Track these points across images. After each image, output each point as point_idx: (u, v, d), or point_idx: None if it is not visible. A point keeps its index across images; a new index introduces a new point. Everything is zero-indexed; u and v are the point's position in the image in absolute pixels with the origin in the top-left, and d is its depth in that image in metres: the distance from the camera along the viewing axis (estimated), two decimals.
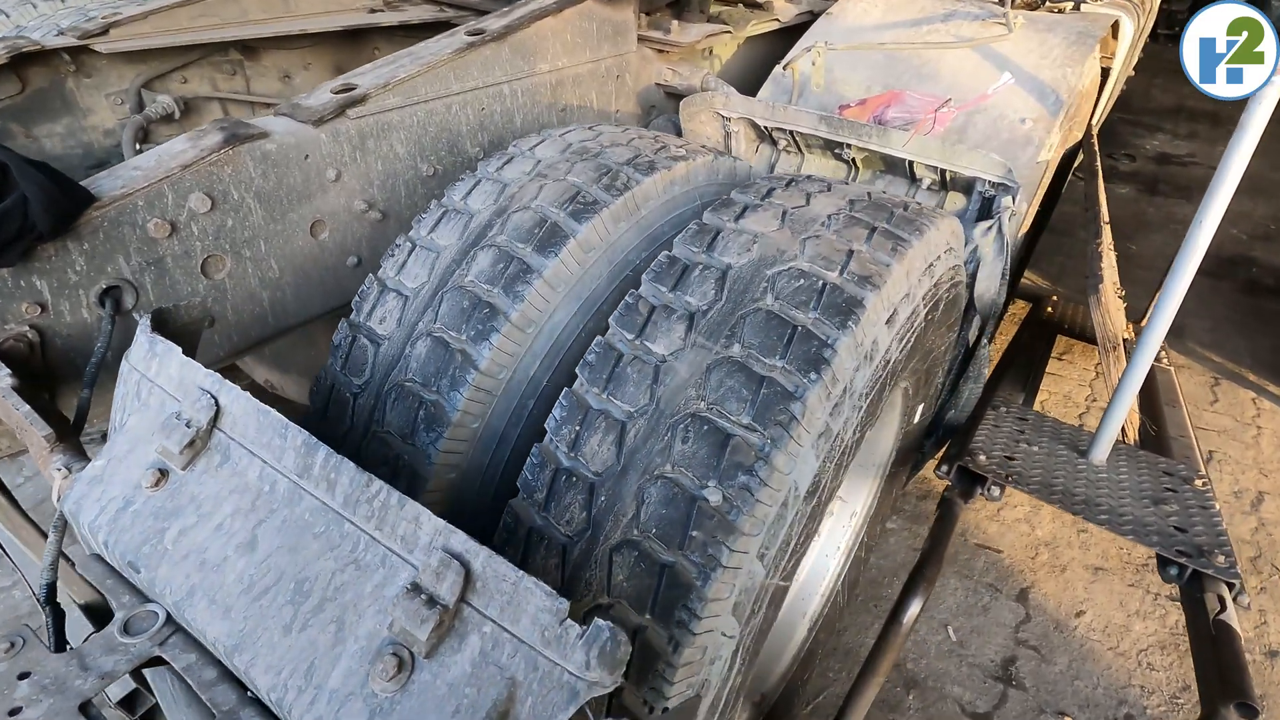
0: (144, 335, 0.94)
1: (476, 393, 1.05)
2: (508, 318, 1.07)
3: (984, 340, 1.77)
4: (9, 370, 0.99)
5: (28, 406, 0.94)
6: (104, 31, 1.90)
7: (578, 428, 0.95)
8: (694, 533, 0.85)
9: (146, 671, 0.83)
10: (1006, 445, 1.80)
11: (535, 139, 1.37)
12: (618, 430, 0.92)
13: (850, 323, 0.93)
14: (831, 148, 1.91)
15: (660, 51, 2.14)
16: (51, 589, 0.86)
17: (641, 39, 2.08)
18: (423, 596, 0.69)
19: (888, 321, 1.00)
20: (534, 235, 1.13)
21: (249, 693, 0.74)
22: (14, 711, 0.68)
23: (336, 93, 1.41)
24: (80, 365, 1.14)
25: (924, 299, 1.10)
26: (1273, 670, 2.11)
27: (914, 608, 1.32)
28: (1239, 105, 1.40)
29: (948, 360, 1.64)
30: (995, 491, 1.65)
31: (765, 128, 1.97)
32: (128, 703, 1.21)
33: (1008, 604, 2.29)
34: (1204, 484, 1.76)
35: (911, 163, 1.76)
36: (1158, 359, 2.81)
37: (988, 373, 1.85)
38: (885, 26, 2.25)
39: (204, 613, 0.76)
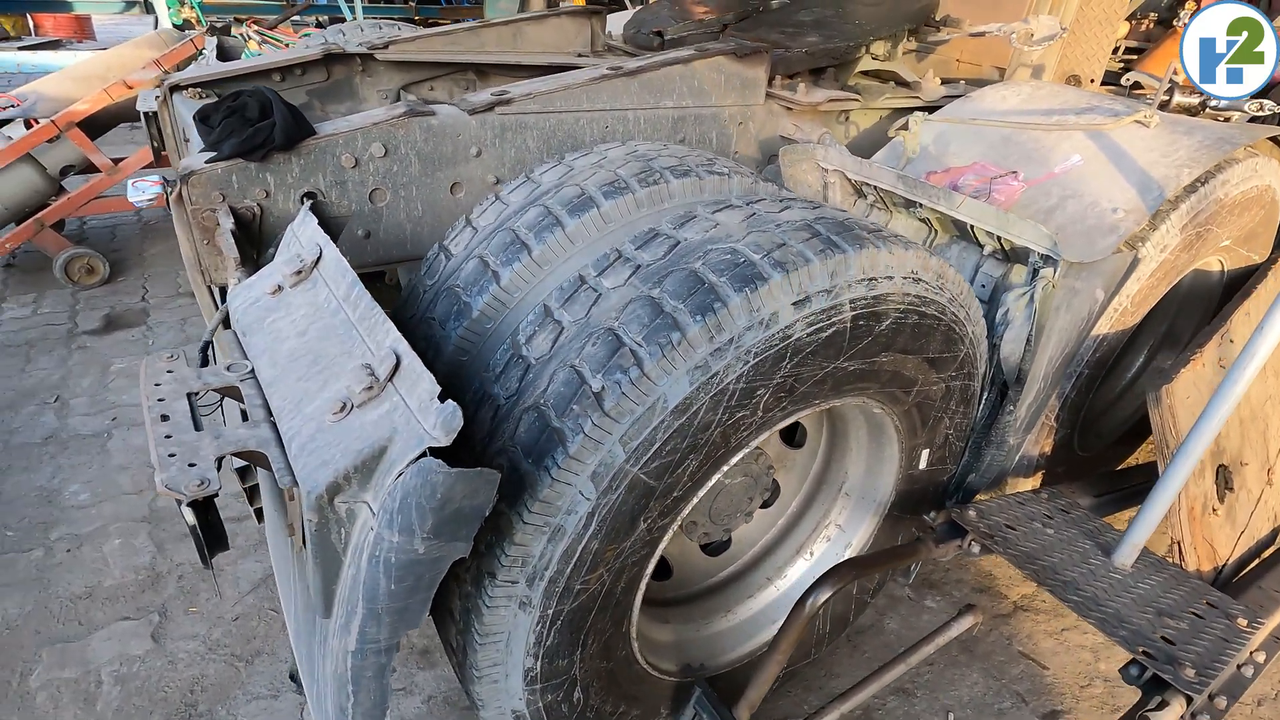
0: (302, 210, 1.46)
1: (493, 300, 1.43)
2: (530, 253, 1.43)
3: (1010, 406, 1.77)
4: (234, 221, 1.57)
5: (233, 242, 1.50)
6: (385, 46, 2.67)
7: (535, 328, 1.28)
8: (574, 407, 1.13)
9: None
10: (1018, 520, 1.77)
11: (613, 144, 1.75)
12: (557, 331, 1.24)
13: (747, 289, 1.16)
14: (909, 207, 2.05)
15: (788, 108, 2.43)
16: (207, 346, 1.38)
17: (770, 95, 2.39)
18: (368, 371, 1.06)
19: (795, 304, 1.20)
20: (571, 202, 1.49)
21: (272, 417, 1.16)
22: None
23: (494, 95, 1.92)
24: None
25: (853, 303, 1.27)
26: None
27: (819, 595, 1.41)
28: None
29: (952, 410, 1.68)
30: (974, 548, 1.65)
31: (855, 182, 2.17)
32: (242, 473, 1.74)
33: (1029, 718, 2.11)
34: (1248, 626, 1.59)
35: (972, 227, 1.85)
36: None
37: (1013, 442, 1.83)
38: (1015, 111, 2.33)
39: (264, 365, 1.21)
